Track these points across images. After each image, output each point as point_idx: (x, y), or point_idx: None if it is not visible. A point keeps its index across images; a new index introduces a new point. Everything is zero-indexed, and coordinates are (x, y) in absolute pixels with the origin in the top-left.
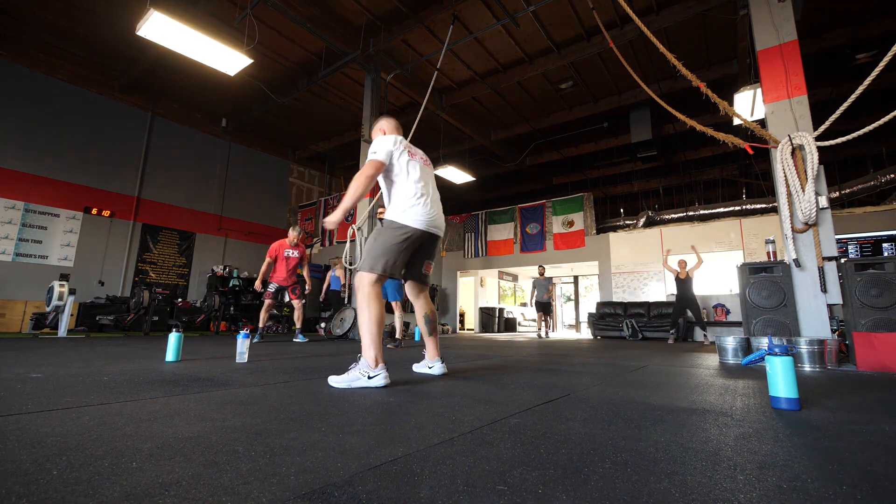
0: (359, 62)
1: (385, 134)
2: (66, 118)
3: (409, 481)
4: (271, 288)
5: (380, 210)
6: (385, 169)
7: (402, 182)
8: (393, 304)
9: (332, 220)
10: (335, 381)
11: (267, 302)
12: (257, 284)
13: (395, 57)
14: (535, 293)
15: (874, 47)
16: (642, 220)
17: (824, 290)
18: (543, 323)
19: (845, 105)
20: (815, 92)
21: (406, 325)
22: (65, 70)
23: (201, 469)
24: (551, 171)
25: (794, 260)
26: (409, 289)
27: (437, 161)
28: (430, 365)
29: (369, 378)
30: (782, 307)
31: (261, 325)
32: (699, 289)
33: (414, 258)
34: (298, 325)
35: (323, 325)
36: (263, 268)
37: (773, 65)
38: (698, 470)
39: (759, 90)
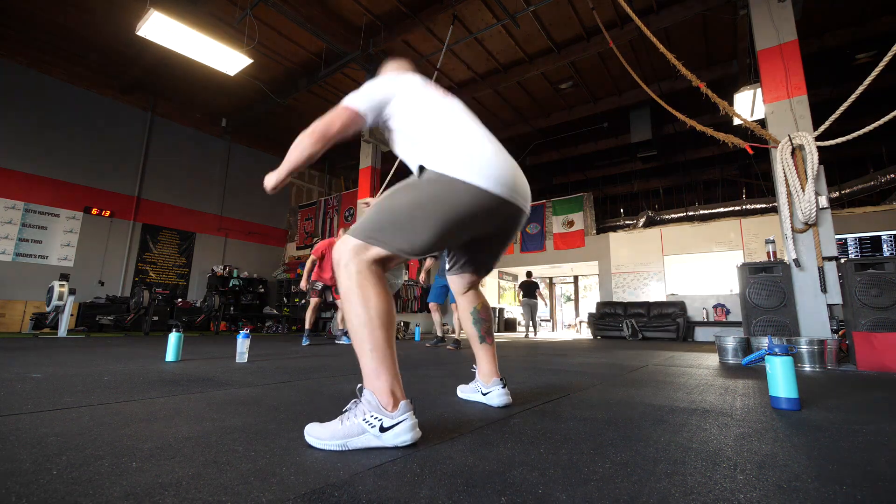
0: (359, 62)
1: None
2: (66, 118)
3: (409, 481)
4: (317, 286)
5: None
6: (389, 119)
7: (443, 114)
8: (431, 305)
9: (270, 180)
10: (317, 435)
11: (313, 301)
12: (303, 284)
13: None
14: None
15: (874, 47)
16: (642, 220)
17: (824, 290)
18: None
19: (845, 105)
20: (815, 92)
21: (406, 325)
22: (65, 70)
23: (201, 469)
24: (551, 171)
25: (794, 260)
26: (459, 280)
27: None
28: (484, 390)
29: (382, 430)
30: (782, 307)
31: (307, 326)
32: (698, 288)
33: (479, 242)
34: (341, 327)
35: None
36: (308, 266)
37: (773, 65)
38: (698, 470)
39: (759, 90)
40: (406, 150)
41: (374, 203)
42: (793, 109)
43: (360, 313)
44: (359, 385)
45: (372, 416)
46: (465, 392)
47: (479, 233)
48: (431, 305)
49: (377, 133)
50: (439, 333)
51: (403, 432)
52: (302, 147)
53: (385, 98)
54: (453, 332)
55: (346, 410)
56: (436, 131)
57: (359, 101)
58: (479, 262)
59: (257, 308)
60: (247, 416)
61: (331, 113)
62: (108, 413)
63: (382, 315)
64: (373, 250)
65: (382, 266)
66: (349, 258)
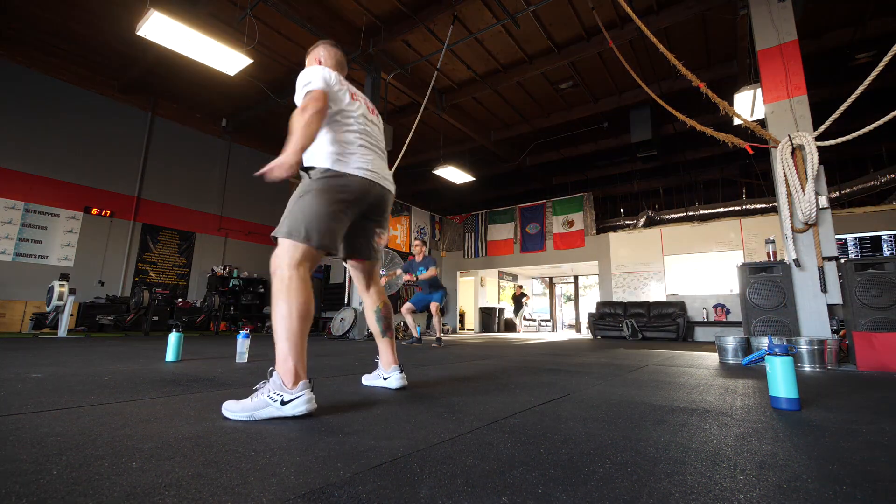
0: (359, 62)
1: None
2: (66, 118)
3: (409, 481)
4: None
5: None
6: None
7: (339, 123)
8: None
9: (283, 161)
10: (231, 409)
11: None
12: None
13: (395, 57)
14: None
15: (874, 47)
16: (642, 220)
17: (824, 290)
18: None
19: (845, 105)
20: (815, 92)
21: (406, 325)
22: (65, 70)
23: (201, 469)
24: (551, 171)
25: (794, 260)
26: (353, 271)
27: (437, 161)
28: (384, 375)
29: (283, 403)
30: (782, 307)
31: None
32: (698, 288)
33: (358, 225)
34: (415, 334)
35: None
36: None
37: (773, 65)
38: (698, 470)
39: (759, 90)
40: (309, 152)
41: (287, 208)
42: (793, 109)
43: (282, 309)
44: (270, 368)
45: (275, 393)
46: (368, 379)
47: (355, 214)
48: (405, 307)
49: None
50: (416, 334)
51: (300, 404)
52: (312, 126)
53: (326, 77)
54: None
55: (256, 389)
56: (333, 141)
57: (319, 82)
58: (362, 246)
59: (257, 308)
60: None
61: (311, 98)
62: (108, 413)
63: (302, 313)
64: (298, 248)
65: (308, 262)
66: (280, 264)
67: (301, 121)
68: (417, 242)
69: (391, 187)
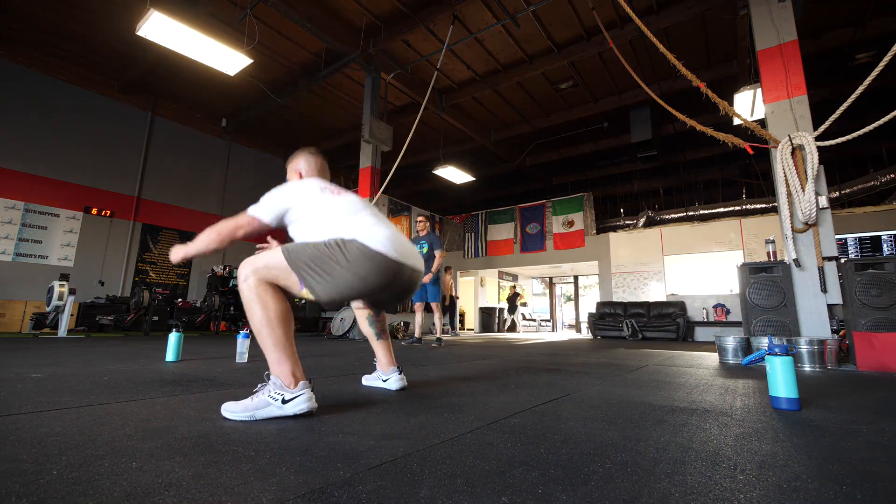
0: (359, 62)
1: (301, 178)
2: (66, 118)
3: (409, 481)
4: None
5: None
6: (290, 220)
7: (358, 214)
8: (415, 305)
9: (181, 251)
10: (231, 409)
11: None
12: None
13: (395, 57)
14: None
15: (874, 47)
16: (642, 220)
17: (824, 290)
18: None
19: (845, 105)
20: (815, 92)
21: (406, 324)
22: (65, 70)
23: (201, 469)
24: (551, 171)
25: (794, 260)
26: (358, 310)
27: (437, 161)
28: (384, 377)
29: (284, 402)
30: (782, 307)
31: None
32: (698, 288)
33: (385, 298)
34: (417, 334)
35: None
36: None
37: (773, 65)
38: (698, 470)
39: (759, 90)
40: (305, 238)
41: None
42: (793, 109)
43: (261, 317)
44: (266, 372)
45: (276, 393)
46: (368, 380)
47: (385, 293)
48: (416, 305)
49: (377, 133)
50: (417, 334)
51: (301, 402)
52: (209, 240)
53: (285, 208)
54: (421, 331)
55: (256, 391)
56: (336, 221)
57: (263, 212)
58: (385, 307)
59: None
60: None
61: (238, 218)
62: (108, 413)
63: (280, 315)
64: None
65: (276, 285)
66: (249, 274)
67: (215, 230)
68: (421, 218)
69: (422, 268)
